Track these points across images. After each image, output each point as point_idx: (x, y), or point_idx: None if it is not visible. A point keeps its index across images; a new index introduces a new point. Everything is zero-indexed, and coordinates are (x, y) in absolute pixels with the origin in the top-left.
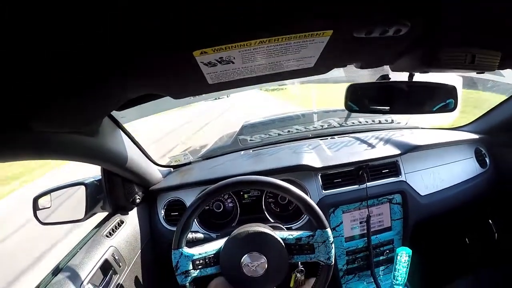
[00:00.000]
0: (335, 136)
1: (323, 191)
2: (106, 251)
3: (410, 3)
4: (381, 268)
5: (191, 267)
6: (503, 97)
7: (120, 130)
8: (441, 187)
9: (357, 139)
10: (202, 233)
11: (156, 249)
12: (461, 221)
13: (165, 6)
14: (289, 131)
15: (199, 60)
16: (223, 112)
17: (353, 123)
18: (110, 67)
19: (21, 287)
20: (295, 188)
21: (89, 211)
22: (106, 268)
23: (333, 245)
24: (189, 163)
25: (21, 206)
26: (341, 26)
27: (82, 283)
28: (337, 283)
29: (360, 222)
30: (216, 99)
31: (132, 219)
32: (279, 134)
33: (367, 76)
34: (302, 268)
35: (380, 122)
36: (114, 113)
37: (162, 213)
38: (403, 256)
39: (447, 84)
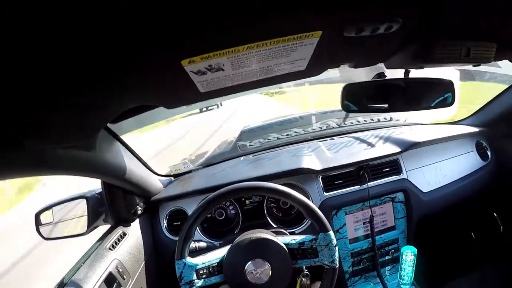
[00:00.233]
0: (334, 137)
1: (325, 193)
2: (110, 264)
3: None
4: (387, 268)
5: (195, 277)
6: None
7: (118, 142)
8: (443, 183)
9: (357, 138)
10: (205, 241)
11: (160, 260)
12: (465, 216)
13: (149, 16)
14: (288, 134)
15: (188, 69)
16: (222, 123)
17: (351, 123)
18: (100, 79)
19: None
20: (296, 193)
21: (92, 224)
22: (110, 281)
23: (336, 247)
24: (189, 171)
25: None
26: (329, 26)
27: None
28: (343, 286)
29: (364, 223)
30: (203, 110)
31: (134, 230)
32: (278, 138)
33: (363, 74)
34: (307, 273)
35: (379, 121)
36: (111, 125)
37: (164, 223)
38: (409, 255)
39: (444, 79)
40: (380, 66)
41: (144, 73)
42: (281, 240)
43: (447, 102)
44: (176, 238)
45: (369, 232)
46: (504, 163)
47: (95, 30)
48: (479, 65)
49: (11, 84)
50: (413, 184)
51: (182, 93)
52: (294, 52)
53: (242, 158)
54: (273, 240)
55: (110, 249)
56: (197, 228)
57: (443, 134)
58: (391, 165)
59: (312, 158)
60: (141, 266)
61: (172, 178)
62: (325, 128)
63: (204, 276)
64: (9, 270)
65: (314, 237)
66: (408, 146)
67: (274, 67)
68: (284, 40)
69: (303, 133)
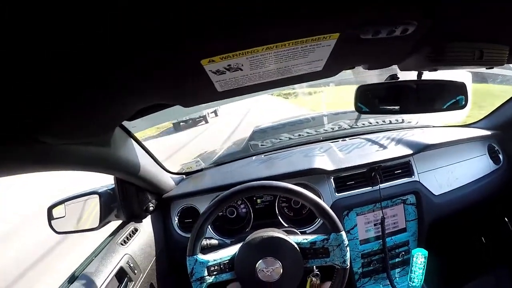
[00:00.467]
0: (346, 138)
1: (336, 194)
2: (121, 259)
3: (416, 1)
4: (397, 270)
5: (206, 273)
6: None
7: (132, 140)
8: (455, 186)
9: (368, 140)
10: (216, 239)
11: (170, 256)
12: (476, 220)
13: (173, 15)
14: (299, 135)
15: (207, 69)
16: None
17: (363, 124)
18: (121, 77)
19: None
20: (309, 192)
21: (103, 219)
22: (121, 275)
23: (348, 248)
24: (201, 169)
25: None
26: (347, 28)
27: None
28: (353, 286)
29: (375, 224)
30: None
31: (146, 227)
32: (290, 138)
33: (375, 76)
34: (318, 272)
35: (390, 122)
36: (125, 123)
37: (175, 220)
38: (419, 257)
39: (457, 81)
40: (393, 68)
41: (164, 71)
42: (293, 239)
43: (460, 104)
44: (187, 235)
45: (380, 233)
46: None
47: (115, 26)
48: (492, 68)
49: (30, 79)
50: (425, 187)
51: (200, 92)
52: (311, 53)
53: (254, 157)
54: (285, 239)
55: (121, 244)
56: (209, 225)
57: (455, 137)
58: (403, 167)
59: (324, 159)
60: (152, 262)
61: (184, 176)
62: (337, 129)
63: (215, 273)
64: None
65: (326, 237)
66: (421, 148)
67: (292, 67)
68: (302, 42)
69: (314, 133)
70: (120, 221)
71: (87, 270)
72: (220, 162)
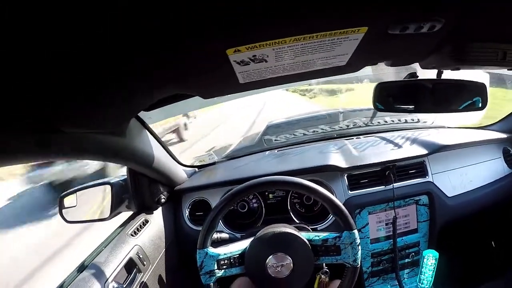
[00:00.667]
0: (360, 136)
1: (349, 191)
2: (131, 249)
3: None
4: (406, 271)
5: (215, 267)
6: None
7: (147, 131)
8: (469, 188)
9: (383, 139)
10: (227, 233)
11: (180, 248)
12: (489, 223)
13: (198, 4)
14: (314, 131)
15: (232, 59)
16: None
17: (379, 122)
18: (137, 68)
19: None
20: (322, 189)
21: (114, 210)
22: (130, 266)
23: (359, 247)
24: (214, 163)
25: None
26: (376, 22)
27: (106, 280)
28: (361, 286)
29: (386, 224)
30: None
31: (156, 218)
32: (304, 134)
33: (392, 74)
34: (327, 270)
35: (406, 121)
36: (141, 113)
37: (187, 212)
38: (430, 259)
39: (476, 81)
40: (412, 66)
41: (188, 60)
42: (305, 235)
43: (477, 105)
44: (198, 228)
45: (391, 233)
46: None
47: (139, 17)
48: None
49: (51, 71)
50: (438, 188)
51: (221, 83)
52: (338, 47)
53: (267, 152)
54: (296, 235)
55: (132, 235)
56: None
57: (470, 139)
58: (417, 167)
59: (339, 156)
60: (161, 254)
61: (197, 169)
62: (352, 126)
63: (224, 267)
64: None
65: (338, 234)
66: (436, 149)
67: (316, 61)
68: (330, 34)
69: (329, 130)
70: (130, 212)
71: (97, 260)
72: (233, 156)
